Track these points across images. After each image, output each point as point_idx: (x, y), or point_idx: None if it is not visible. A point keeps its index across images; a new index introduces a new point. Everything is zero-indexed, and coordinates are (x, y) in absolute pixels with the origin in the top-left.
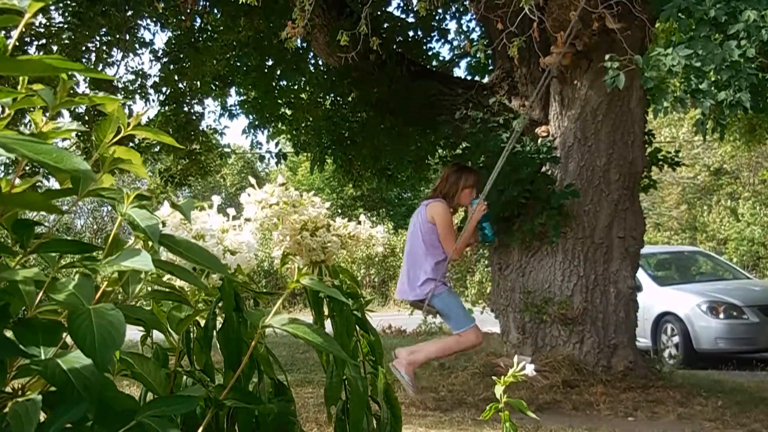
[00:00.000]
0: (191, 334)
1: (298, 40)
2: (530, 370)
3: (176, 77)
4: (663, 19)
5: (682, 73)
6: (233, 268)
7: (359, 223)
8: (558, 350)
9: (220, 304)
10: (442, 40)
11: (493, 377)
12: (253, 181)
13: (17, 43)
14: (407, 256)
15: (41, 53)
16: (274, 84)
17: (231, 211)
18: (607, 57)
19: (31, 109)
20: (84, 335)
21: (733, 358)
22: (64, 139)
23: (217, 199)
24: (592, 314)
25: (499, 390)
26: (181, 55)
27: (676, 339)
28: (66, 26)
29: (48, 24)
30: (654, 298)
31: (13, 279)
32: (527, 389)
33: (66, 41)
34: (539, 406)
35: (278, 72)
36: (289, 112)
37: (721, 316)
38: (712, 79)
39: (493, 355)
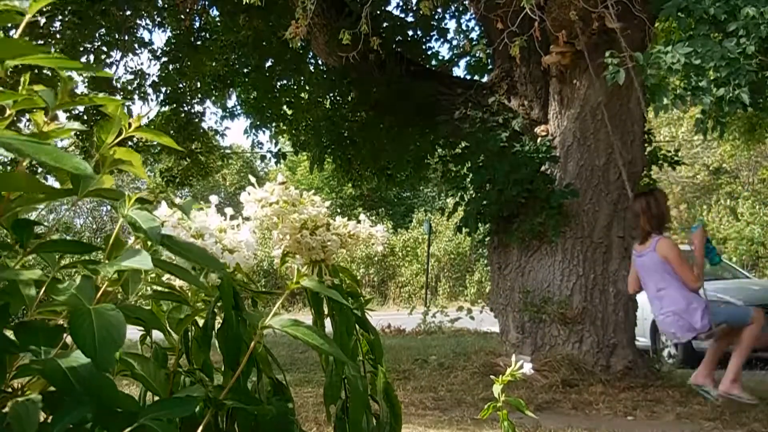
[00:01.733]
0: (189, 334)
1: (300, 40)
2: (529, 369)
3: (176, 77)
4: (663, 17)
5: (683, 71)
6: (232, 267)
7: (359, 222)
8: (557, 350)
9: (219, 304)
10: (442, 40)
11: (492, 377)
12: (253, 179)
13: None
14: (657, 300)
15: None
16: (273, 84)
17: (229, 211)
18: (607, 54)
19: (32, 110)
20: (84, 335)
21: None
22: (62, 139)
23: (215, 199)
24: (592, 314)
25: (498, 389)
26: (181, 55)
27: None
28: (65, 26)
29: (47, 24)
30: None
31: (14, 279)
32: (526, 388)
33: (65, 41)
34: (538, 405)
35: (278, 72)
36: (288, 111)
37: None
38: (712, 77)
39: (492, 354)
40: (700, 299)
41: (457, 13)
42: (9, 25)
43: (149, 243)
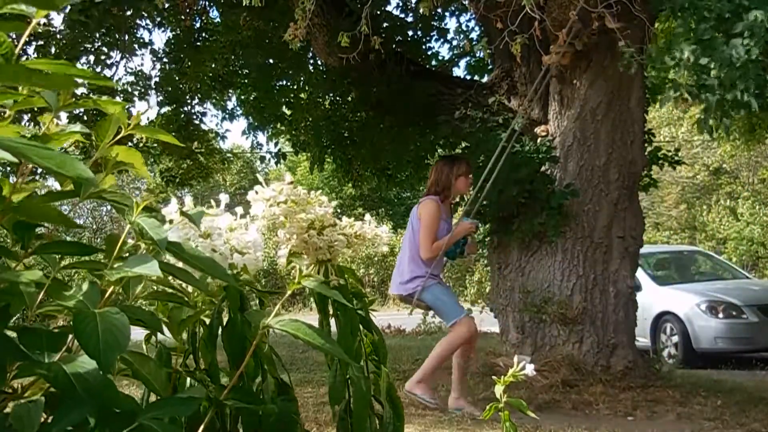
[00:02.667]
0: (197, 334)
1: (300, 41)
2: (530, 369)
3: (176, 77)
4: (663, 17)
5: (691, 68)
6: (240, 267)
7: (363, 222)
8: (557, 350)
9: (224, 304)
10: (442, 40)
11: (493, 377)
12: (261, 178)
13: (15, 44)
14: (400, 252)
15: (40, 54)
16: (273, 84)
17: (239, 210)
18: (621, 43)
19: (35, 109)
20: (89, 338)
21: (732, 357)
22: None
23: (224, 198)
24: (592, 314)
25: (498, 389)
26: (181, 56)
27: (675, 338)
28: (66, 26)
29: (47, 25)
30: (653, 298)
31: (16, 281)
32: (526, 389)
33: (65, 41)
34: (538, 405)
35: (278, 72)
36: (288, 111)
37: (721, 315)
38: (717, 75)
39: (492, 354)
40: (423, 269)
41: (457, 12)
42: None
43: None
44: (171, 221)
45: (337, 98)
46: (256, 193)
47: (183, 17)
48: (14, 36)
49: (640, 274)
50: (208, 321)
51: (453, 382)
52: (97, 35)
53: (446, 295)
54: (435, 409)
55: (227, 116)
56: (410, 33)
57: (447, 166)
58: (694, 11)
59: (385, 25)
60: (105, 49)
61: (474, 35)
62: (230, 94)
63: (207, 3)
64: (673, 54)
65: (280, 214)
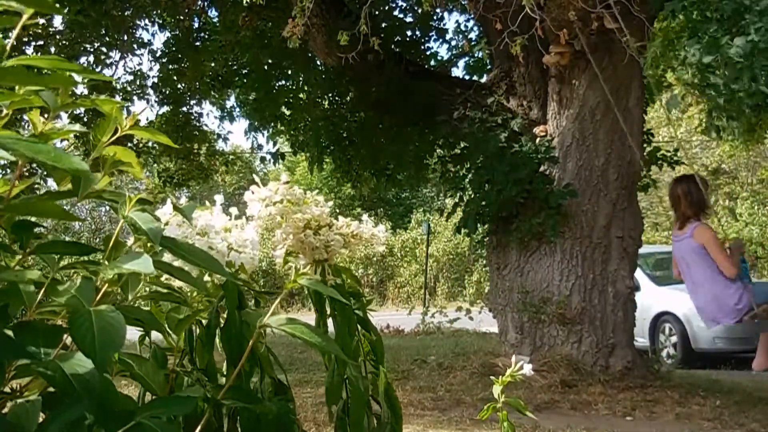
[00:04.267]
0: (194, 334)
1: (298, 39)
2: (528, 369)
3: (175, 77)
4: (662, 16)
5: (696, 67)
6: (237, 266)
7: (360, 222)
8: (556, 350)
9: (221, 303)
10: (441, 40)
11: (492, 377)
12: (257, 178)
13: (14, 44)
14: (700, 291)
15: (38, 54)
16: (273, 84)
17: (233, 210)
18: (625, 38)
19: (29, 109)
20: (84, 336)
21: (731, 357)
22: (62, 140)
23: (220, 198)
24: (591, 314)
25: (497, 390)
26: (180, 55)
27: (674, 339)
28: (65, 26)
29: (46, 25)
30: (652, 298)
31: (14, 280)
32: (525, 389)
33: (64, 42)
34: (537, 405)
35: (277, 72)
36: (287, 112)
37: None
38: (724, 73)
39: (491, 354)
40: (737, 283)
41: (457, 9)
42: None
43: (149, 245)
44: (167, 223)
45: (336, 98)
46: (253, 193)
47: (182, 17)
48: (12, 35)
49: (639, 275)
50: (203, 321)
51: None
52: (96, 35)
53: (761, 285)
54: (436, 408)
55: (226, 116)
56: (409, 33)
57: (696, 185)
58: (699, 7)
59: (384, 25)
60: (104, 49)
61: (473, 35)
62: (229, 94)
63: (206, 2)
64: (677, 52)
65: (276, 214)
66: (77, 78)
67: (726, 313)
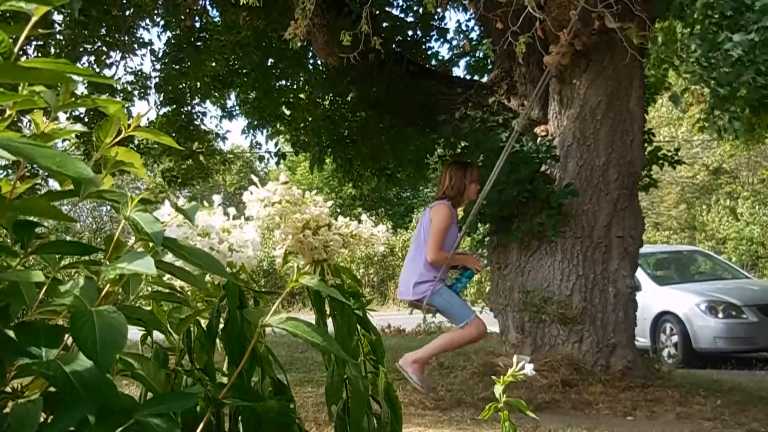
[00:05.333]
0: (192, 334)
1: (300, 40)
2: (529, 369)
3: (177, 78)
4: (662, 18)
5: (698, 62)
6: (238, 266)
7: (360, 222)
8: (557, 350)
9: (222, 303)
10: (442, 40)
11: (492, 377)
12: (255, 179)
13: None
14: (408, 256)
15: (39, 54)
16: (273, 84)
17: (232, 210)
18: (629, 27)
19: (32, 110)
20: (86, 337)
21: (731, 357)
22: (64, 140)
23: (217, 198)
24: (591, 314)
25: (498, 389)
26: (181, 56)
27: (675, 338)
28: (66, 27)
29: (47, 27)
30: (653, 298)
31: (15, 280)
32: (526, 389)
33: (64, 41)
34: (538, 405)
35: (277, 72)
36: (288, 112)
37: (720, 315)
38: (725, 70)
39: (492, 354)
40: (430, 271)
41: (458, 9)
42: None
43: (151, 245)
44: (167, 222)
45: (337, 98)
46: (251, 193)
47: (183, 17)
48: (13, 35)
49: (640, 274)
50: (202, 321)
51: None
52: (97, 35)
53: (455, 299)
54: (437, 408)
55: (226, 115)
56: (410, 33)
57: (461, 171)
58: (709, 9)
59: (384, 24)
60: (105, 49)
61: (474, 35)
62: (229, 94)
63: (207, 2)
64: (678, 49)
65: (275, 215)
66: (77, 77)
67: (403, 288)
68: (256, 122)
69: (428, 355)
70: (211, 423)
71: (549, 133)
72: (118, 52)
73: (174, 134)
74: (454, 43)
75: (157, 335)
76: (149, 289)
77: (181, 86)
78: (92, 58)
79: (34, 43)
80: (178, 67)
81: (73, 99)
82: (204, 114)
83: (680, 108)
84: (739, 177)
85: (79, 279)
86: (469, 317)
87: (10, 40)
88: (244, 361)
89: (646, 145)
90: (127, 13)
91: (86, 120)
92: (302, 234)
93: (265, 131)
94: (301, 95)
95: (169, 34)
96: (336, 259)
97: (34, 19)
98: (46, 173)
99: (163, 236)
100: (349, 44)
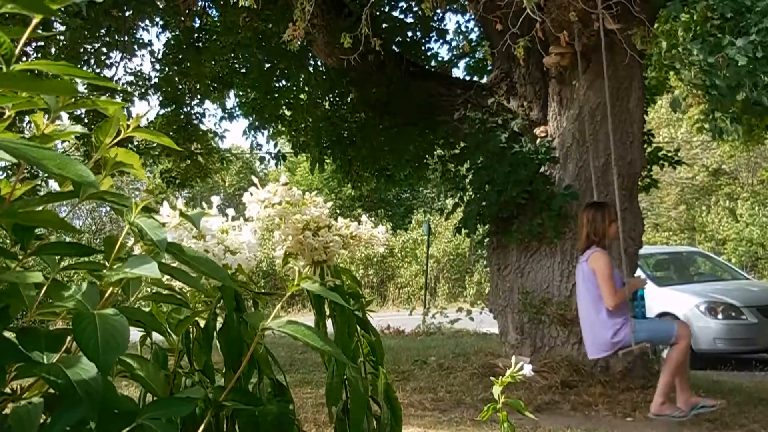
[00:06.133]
0: (191, 335)
1: (299, 42)
2: (528, 370)
3: (176, 78)
4: (663, 18)
5: (699, 66)
6: (234, 268)
7: (360, 223)
8: (556, 351)
9: (220, 304)
10: (441, 41)
11: (492, 378)
12: (255, 180)
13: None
14: (584, 315)
15: (39, 55)
16: (273, 85)
17: (230, 212)
18: (632, 31)
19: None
20: (88, 340)
21: (731, 358)
22: (63, 141)
23: (216, 200)
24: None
25: (497, 390)
26: (181, 56)
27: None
28: (66, 28)
29: (47, 28)
30: (652, 299)
31: (15, 282)
32: (525, 390)
33: (64, 42)
34: (537, 406)
35: (277, 72)
36: (288, 112)
37: (720, 316)
38: (726, 74)
39: (491, 355)
40: (620, 316)
41: (458, 10)
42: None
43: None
44: (164, 224)
45: (337, 99)
46: (251, 194)
47: (183, 18)
48: (21, 40)
49: (640, 275)
50: (202, 322)
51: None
52: (97, 36)
53: (650, 323)
54: (437, 409)
55: (226, 116)
56: (410, 34)
57: (599, 214)
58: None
59: (384, 25)
60: (105, 50)
61: (473, 36)
62: (228, 94)
63: (207, 3)
64: (680, 52)
65: (274, 216)
66: (77, 79)
67: (599, 345)
68: (256, 123)
69: (667, 389)
70: (211, 425)
71: (548, 134)
72: (117, 52)
73: (173, 135)
74: (454, 44)
75: (157, 336)
76: (148, 290)
77: (180, 87)
78: (92, 60)
79: (34, 43)
80: (177, 67)
81: (73, 100)
82: (203, 115)
83: (680, 109)
84: (739, 178)
85: (82, 283)
86: (672, 331)
87: (12, 43)
88: (243, 365)
89: (645, 145)
90: (127, 14)
91: (86, 120)
92: (302, 235)
93: (265, 132)
94: (301, 96)
95: (168, 34)
96: (336, 260)
97: (35, 21)
98: (46, 175)
99: (166, 243)
100: (350, 45)
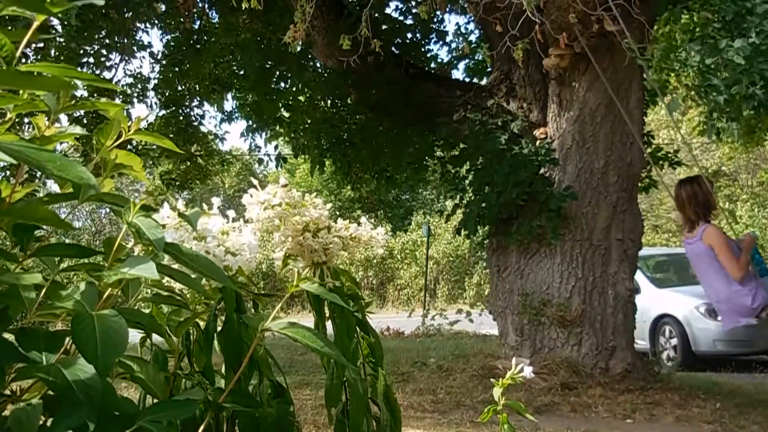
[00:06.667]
0: (191, 336)
1: (299, 43)
2: (528, 372)
3: (176, 80)
4: (663, 20)
5: (697, 69)
6: (234, 269)
7: (359, 225)
8: (556, 352)
9: (220, 306)
10: (441, 42)
11: (492, 379)
12: (255, 182)
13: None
14: (712, 290)
15: (39, 57)
16: (272, 86)
17: (231, 213)
18: (625, 41)
19: (33, 113)
20: (86, 341)
21: (731, 360)
22: (62, 142)
23: (216, 201)
24: (591, 316)
25: (497, 392)
26: (180, 57)
27: (674, 341)
28: (66, 29)
29: (47, 30)
30: (652, 300)
31: (15, 283)
32: (525, 391)
33: (64, 44)
34: (537, 408)
35: (277, 74)
36: (287, 114)
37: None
38: (724, 75)
39: (491, 357)
40: (750, 282)
41: (457, 11)
42: (7, 21)
43: (151, 248)
44: (164, 226)
45: (337, 100)
46: (251, 196)
47: (183, 20)
48: (23, 42)
49: (639, 277)
50: (202, 323)
51: None
52: (96, 38)
53: None
54: (436, 411)
55: (225, 118)
56: (409, 35)
57: (697, 186)
58: (701, 10)
59: (384, 27)
60: (104, 52)
61: (473, 38)
62: (227, 96)
63: (206, 5)
64: (679, 54)
65: (274, 217)
66: (78, 81)
67: (742, 313)
68: (255, 125)
69: None
70: (211, 427)
71: (548, 136)
72: (117, 54)
73: (172, 136)
74: (454, 45)
75: (157, 338)
76: (148, 291)
77: (180, 88)
78: (91, 61)
79: (34, 45)
80: (177, 69)
81: (73, 102)
82: (203, 116)
83: (679, 111)
84: (738, 180)
85: (81, 284)
86: None
87: (13, 45)
88: (243, 367)
89: (645, 146)
90: (126, 16)
91: (86, 122)
92: (302, 236)
93: (264, 134)
94: (301, 98)
95: (168, 36)
96: (335, 262)
97: (35, 24)
98: (45, 176)
99: (164, 242)
100: (349, 47)
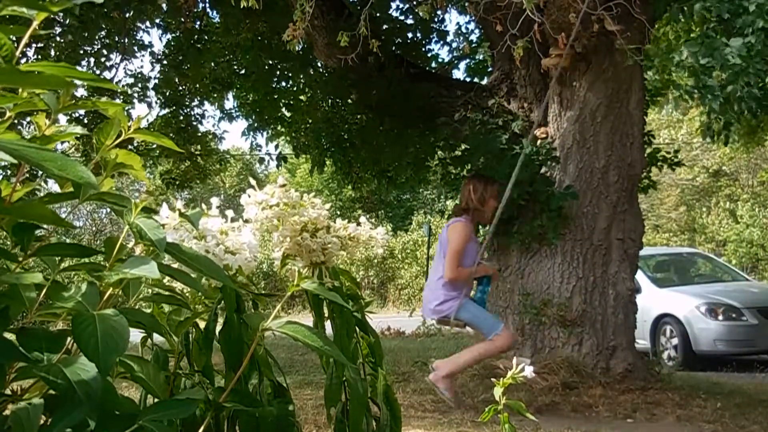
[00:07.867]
0: (190, 336)
1: (299, 43)
2: (529, 371)
3: (176, 79)
4: (664, 20)
5: (690, 71)
6: (234, 269)
7: (359, 224)
8: (557, 352)
9: (220, 306)
10: (441, 42)
11: (492, 379)
12: (253, 182)
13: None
14: (431, 276)
15: (39, 56)
16: (273, 86)
17: (230, 213)
18: (621, 41)
19: (34, 112)
20: (88, 340)
21: (732, 360)
22: (62, 142)
23: (215, 201)
24: (591, 316)
25: (498, 392)
26: (181, 57)
27: (675, 341)
28: (66, 29)
29: (47, 28)
30: (653, 300)
31: (15, 283)
32: (526, 391)
33: (64, 44)
34: (538, 407)
35: (278, 74)
36: (288, 114)
37: (720, 317)
38: (722, 76)
39: (491, 357)
40: (453, 289)
41: (457, 11)
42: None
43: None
44: (164, 225)
45: (337, 100)
46: (249, 196)
47: (183, 19)
48: (14, 38)
49: (640, 277)
50: (202, 323)
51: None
52: (97, 37)
53: (482, 311)
54: (437, 411)
55: (225, 117)
56: (410, 35)
57: (481, 185)
58: (691, 14)
59: (384, 27)
60: (105, 52)
61: (473, 37)
62: (228, 96)
63: (207, 5)
64: (674, 55)
65: (272, 217)
66: (78, 81)
67: (429, 306)
68: (255, 124)
69: (459, 369)
70: (211, 427)
71: (549, 136)
72: (117, 54)
73: (172, 136)
74: (454, 45)
75: (157, 337)
76: (149, 291)
77: (180, 88)
78: (92, 60)
79: (34, 45)
80: (177, 69)
81: (74, 101)
82: (203, 116)
83: (680, 111)
84: (739, 179)
85: (82, 284)
86: (497, 329)
87: (12, 43)
88: (243, 366)
89: (645, 147)
90: (127, 15)
91: (86, 121)
92: (300, 236)
93: (264, 133)
94: (301, 97)
95: (169, 36)
96: (335, 261)
97: (35, 22)
98: (46, 175)
99: (165, 243)
100: (349, 46)
